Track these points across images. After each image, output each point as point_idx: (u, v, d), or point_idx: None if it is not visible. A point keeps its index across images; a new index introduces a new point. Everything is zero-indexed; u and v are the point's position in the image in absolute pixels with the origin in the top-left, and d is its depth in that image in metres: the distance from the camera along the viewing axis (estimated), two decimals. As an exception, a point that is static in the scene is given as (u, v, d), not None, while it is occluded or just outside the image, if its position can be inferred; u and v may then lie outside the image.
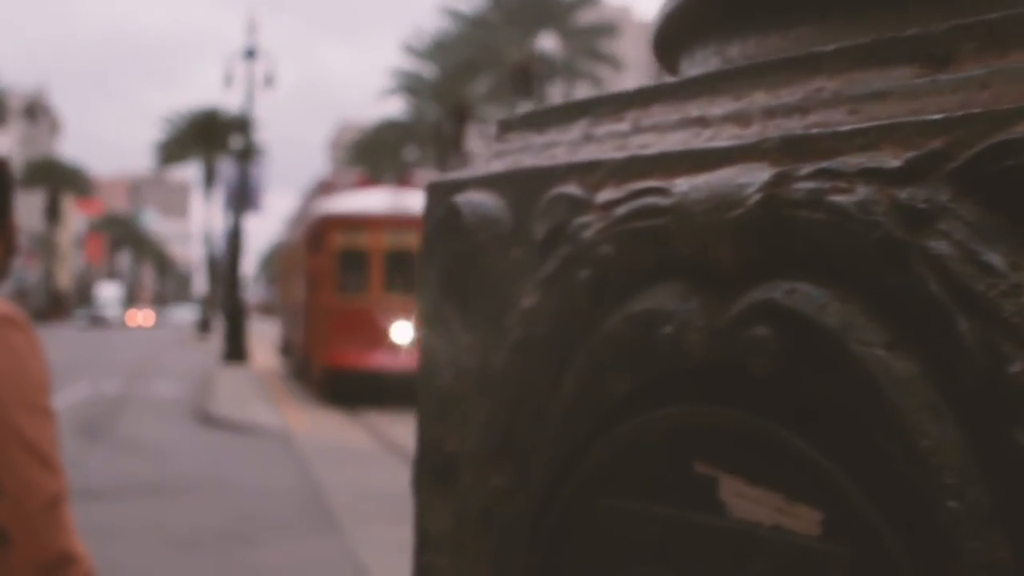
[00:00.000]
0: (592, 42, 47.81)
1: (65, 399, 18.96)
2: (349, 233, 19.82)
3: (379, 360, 18.66)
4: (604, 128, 0.67)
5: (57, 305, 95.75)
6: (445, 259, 0.74)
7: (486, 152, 0.78)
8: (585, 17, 49.24)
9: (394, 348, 18.64)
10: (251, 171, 33.92)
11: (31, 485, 2.06)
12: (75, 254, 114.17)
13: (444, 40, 50.87)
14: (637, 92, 0.67)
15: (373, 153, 69.86)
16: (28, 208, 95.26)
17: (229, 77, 31.58)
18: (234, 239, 35.30)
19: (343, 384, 19.36)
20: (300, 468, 12.41)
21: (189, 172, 76.52)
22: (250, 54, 30.96)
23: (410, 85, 56.26)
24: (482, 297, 0.71)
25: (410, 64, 55.40)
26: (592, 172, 0.63)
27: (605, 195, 0.60)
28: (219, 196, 41.12)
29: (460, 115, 51.55)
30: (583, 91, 58.81)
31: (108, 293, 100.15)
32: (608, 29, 48.27)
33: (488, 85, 49.30)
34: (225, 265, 58.58)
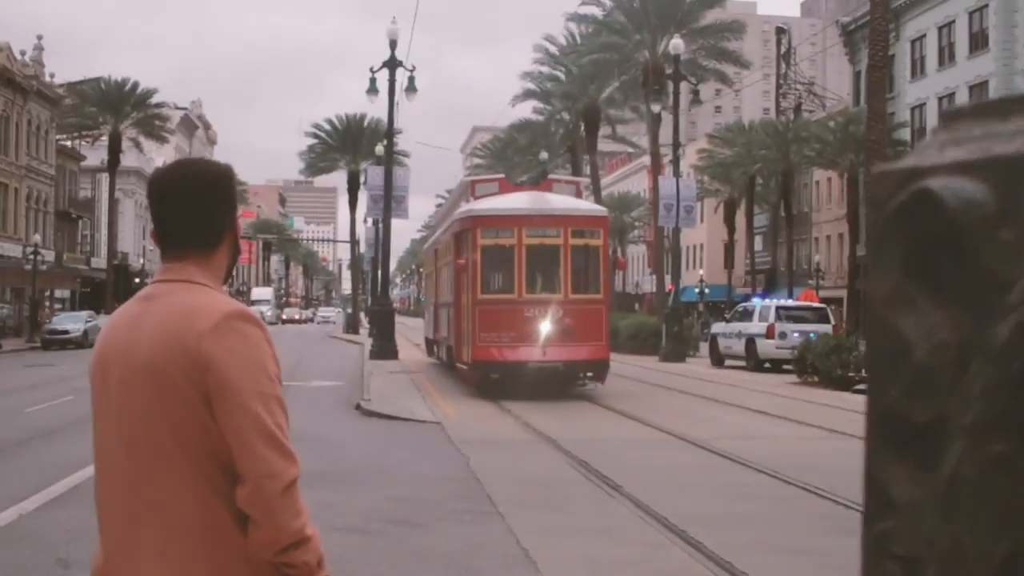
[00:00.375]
0: (718, 41, 47.39)
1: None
2: (494, 231, 20.42)
3: (524, 354, 19.42)
4: (1093, 114, 0.71)
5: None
6: (911, 242, 0.79)
7: (932, 141, 0.82)
8: (711, 17, 48.80)
9: (539, 342, 19.34)
10: (395, 176, 34.61)
11: (271, 472, 2.16)
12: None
13: (574, 45, 51.11)
14: None
15: (505, 155, 70.60)
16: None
17: (373, 87, 32.28)
18: (382, 244, 36.10)
19: (489, 376, 20.10)
20: (456, 456, 12.66)
21: (334, 179, 78.28)
22: (392, 65, 31.61)
23: (541, 89, 56.68)
24: (959, 278, 0.75)
25: (541, 69, 55.85)
26: (1104, 155, 0.67)
27: None
28: (363, 201, 42.00)
29: (590, 117, 51.76)
30: (709, 90, 58.19)
31: (262, 295, 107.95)
32: (734, 28, 47.76)
33: (617, 87, 49.35)
34: (371, 267, 59.81)
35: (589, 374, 20.57)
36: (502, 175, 30.40)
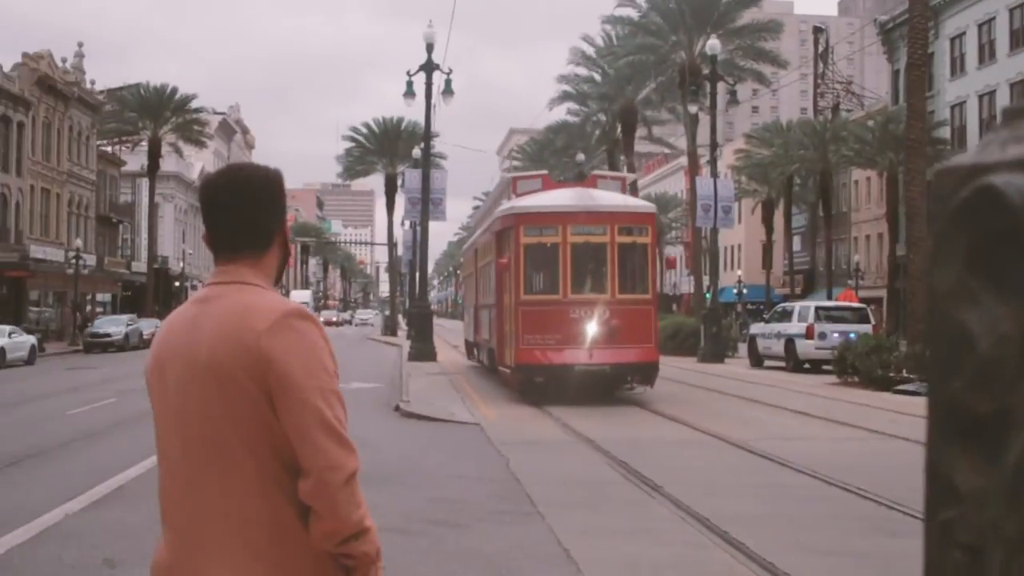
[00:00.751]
0: (755, 41, 47.20)
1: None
2: (537, 229, 19.73)
3: (570, 356, 18.73)
4: None
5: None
6: (973, 237, 0.80)
7: (994, 138, 0.83)
8: (748, 17, 48.63)
9: (585, 344, 18.61)
10: (433, 179, 34.73)
11: (333, 464, 2.22)
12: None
13: (610, 47, 51.10)
14: None
15: (542, 157, 70.68)
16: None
17: (409, 90, 32.40)
18: (421, 246, 36.25)
19: (533, 380, 19.36)
20: (496, 457, 12.69)
21: (372, 182, 78.73)
22: (429, 68, 31.72)
23: (577, 91, 56.70)
24: (1023, 272, 0.77)
25: (577, 71, 55.86)
26: None
27: None
28: (401, 204, 42.20)
29: (627, 118, 51.71)
30: (746, 90, 57.82)
31: (301, 298, 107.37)
32: (771, 27, 47.58)
33: (654, 88, 49.27)
34: (408, 270, 60.08)
35: (637, 377, 19.78)
36: (545, 172, 28.93)
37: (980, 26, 48.84)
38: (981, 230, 0.80)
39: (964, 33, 50.05)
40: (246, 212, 2.41)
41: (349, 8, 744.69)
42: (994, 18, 47.64)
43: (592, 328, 18.65)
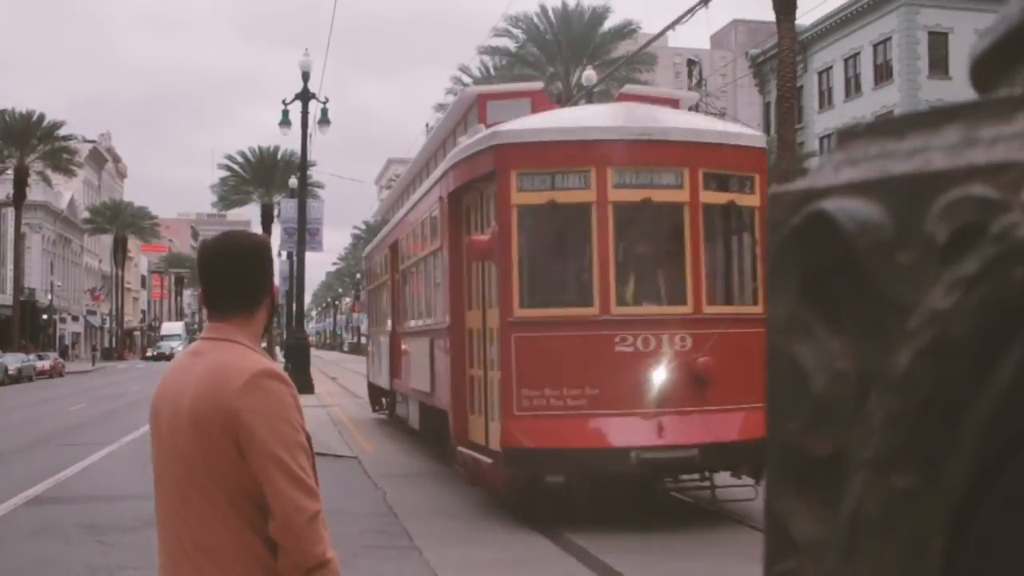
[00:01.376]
0: (630, 73, 48.14)
1: (142, 431, 19.27)
2: (545, 177, 10.44)
3: (621, 431, 9.83)
4: (990, 131, 0.68)
5: (125, 342, 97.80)
6: (806, 266, 0.75)
7: (828, 161, 0.79)
8: (623, 49, 49.62)
9: (648, 405, 9.78)
10: (309, 209, 34.34)
11: (296, 508, 2.55)
12: (142, 293, 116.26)
13: (488, 77, 51.48)
14: (1030, 94, 0.67)
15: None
16: (98, 250, 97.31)
17: (285, 119, 32.13)
18: (297, 278, 35.72)
19: (541, 479, 10.40)
20: (372, 490, 12.51)
21: (248, 212, 77.42)
22: (305, 97, 31.48)
23: (458, 120, 56.85)
24: (857, 303, 0.72)
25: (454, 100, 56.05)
26: (1003, 173, 0.64)
27: (1035, 193, 0.61)
28: (278, 235, 41.59)
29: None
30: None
31: (173, 330, 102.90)
32: (645, 59, 48.59)
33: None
34: (285, 301, 59.22)
35: (746, 467, 10.33)
36: (540, 84, 16.54)
37: (846, 60, 50.72)
38: (813, 259, 0.74)
39: (831, 67, 51.92)
40: (237, 278, 2.75)
41: (219, 32, 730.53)
42: (859, 53, 49.55)
43: (664, 375, 9.92)
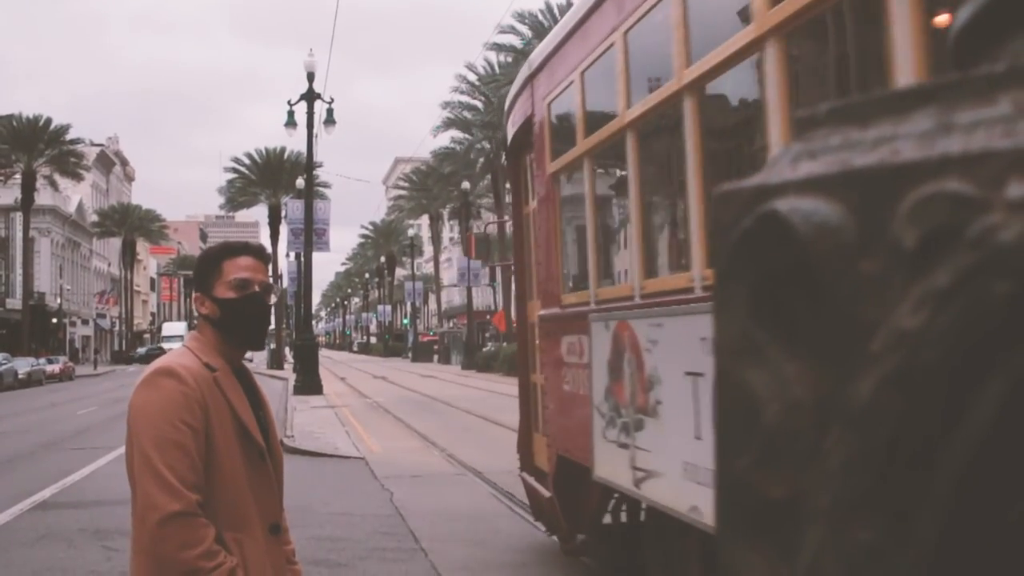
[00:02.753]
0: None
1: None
2: None
3: None
4: (968, 115, 0.57)
5: (136, 344, 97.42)
6: (756, 277, 0.64)
7: (784, 153, 0.67)
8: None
9: None
10: (316, 209, 34.30)
11: (149, 504, 2.52)
12: (151, 296, 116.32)
13: (493, 75, 51.24)
14: (1014, 70, 0.56)
15: (427, 185, 70.42)
16: (107, 254, 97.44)
17: (291, 120, 32.09)
18: (304, 278, 35.64)
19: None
20: (379, 492, 12.43)
21: (255, 212, 77.47)
22: (310, 97, 31.43)
23: (461, 119, 56.63)
24: (815, 320, 0.61)
25: (461, 98, 55.82)
26: (982, 164, 0.53)
27: (1019, 190, 0.50)
28: (285, 235, 41.60)
29: (512, 144, 51.52)
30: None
31: (175, 330, 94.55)
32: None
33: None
34: (294, 302, 59.20)
35: None
36: None
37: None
38: (766, 269, 0.63)
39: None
40: (193, 289, 2.97)
41: (218, 30, 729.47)
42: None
43: None
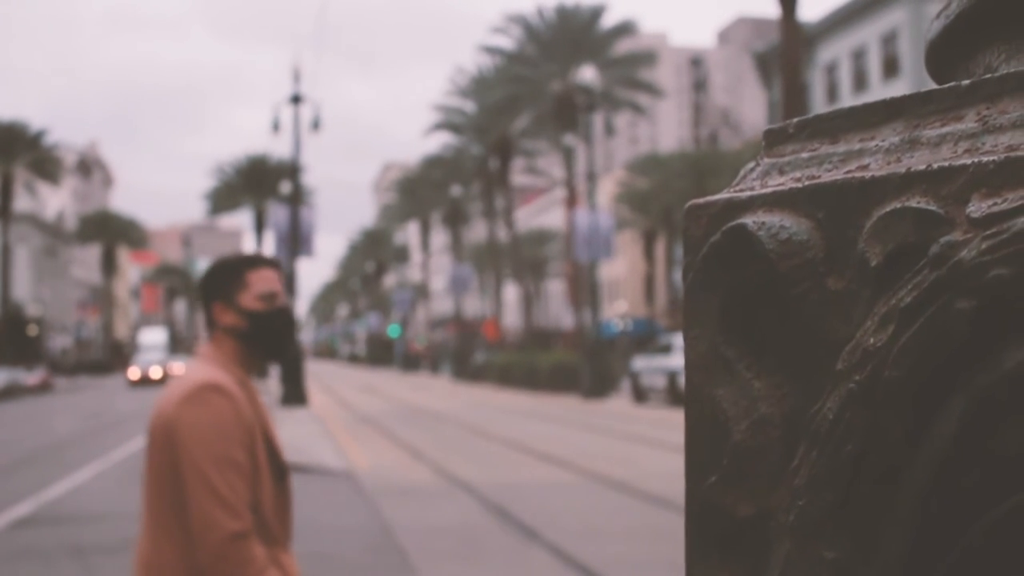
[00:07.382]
0: (631, 71, 47.83)
1: (129, 448, 19.15)
2: None
3: None
4: (935, 130, 0.57)
5: (116, 354, 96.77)
6: (725, 294, 0.64)
7: (755, 168, 0.67)
8: (623, 47, 49.39)
9: None
10: (301, 215, 34.17)
11: (210, 523, 2.49)
12: (132, 304, 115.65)
13: (485, 77, 51.17)
14: (979, 84, 0.56)
15: (416, 191, 70.23)
16: (86, 261, 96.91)
17: (276, 123, 31.97)
18: (288, 284, 35.47)
19: None
20: (368, 506, 12.32)
21: (239, 219, 77.16)
22: (296, 99, 31.32)
23: (452, 122, 56.59)
24: (783, 336, 0.61)
25: (452, 102, 55.78)
26: (946, 181, 0.53)
27: (979, 208, 0.50)
28: (270, 241, 41.45)
29: (503, 150, 51.68)
30: (624, 120, 58.34)
31: (153, 336, 78.56)
32: (646, 58, 48.33)
33: (529, 119, 49.42)
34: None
35: None
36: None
37: (853, 55, 50.36)
38: (734, 284, 0.63)
39: (838, 62, 51.52)
40: (203, 300, 2.87)
41: (191, 29, 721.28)
42: (867, 47, 49.18)
43: None
